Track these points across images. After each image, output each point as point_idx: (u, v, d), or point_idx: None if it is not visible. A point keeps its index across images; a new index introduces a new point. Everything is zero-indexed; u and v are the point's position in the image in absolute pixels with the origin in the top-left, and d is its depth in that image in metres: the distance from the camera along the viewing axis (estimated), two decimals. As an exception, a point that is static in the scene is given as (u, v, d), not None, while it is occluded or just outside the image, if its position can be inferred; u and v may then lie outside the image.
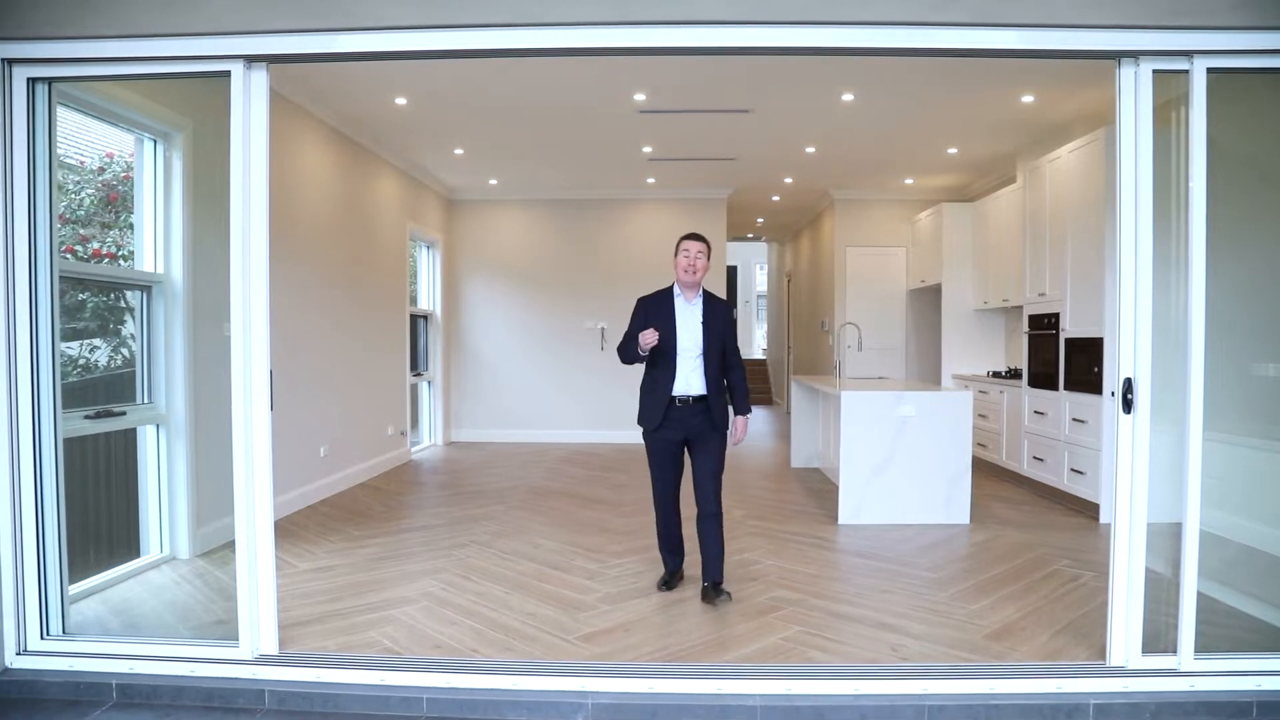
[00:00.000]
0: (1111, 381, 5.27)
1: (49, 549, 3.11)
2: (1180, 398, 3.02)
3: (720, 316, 3.83)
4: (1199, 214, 2.91)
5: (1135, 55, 2.92)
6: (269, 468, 3.05)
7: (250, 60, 2.99)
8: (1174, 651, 2.98)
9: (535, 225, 9.72)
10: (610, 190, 9.50)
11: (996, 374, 7.47)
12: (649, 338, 3.62)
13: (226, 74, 2.98)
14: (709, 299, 3.86)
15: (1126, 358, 2.97)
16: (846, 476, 5.46)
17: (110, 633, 3.38)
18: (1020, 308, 6.98)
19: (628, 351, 3.81)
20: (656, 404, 3.78)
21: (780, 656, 3.19)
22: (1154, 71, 2.93)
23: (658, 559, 4.25)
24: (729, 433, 3.85)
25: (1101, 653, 3.13)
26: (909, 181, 9.03)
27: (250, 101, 3.02)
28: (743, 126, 6.76)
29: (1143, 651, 3.00)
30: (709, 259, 3.80)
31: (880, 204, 9.66)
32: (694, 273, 3.76)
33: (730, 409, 3.88)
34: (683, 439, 3.81)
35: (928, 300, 9.38)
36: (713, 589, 3.75)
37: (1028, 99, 5.91)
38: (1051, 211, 6.16)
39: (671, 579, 4.01)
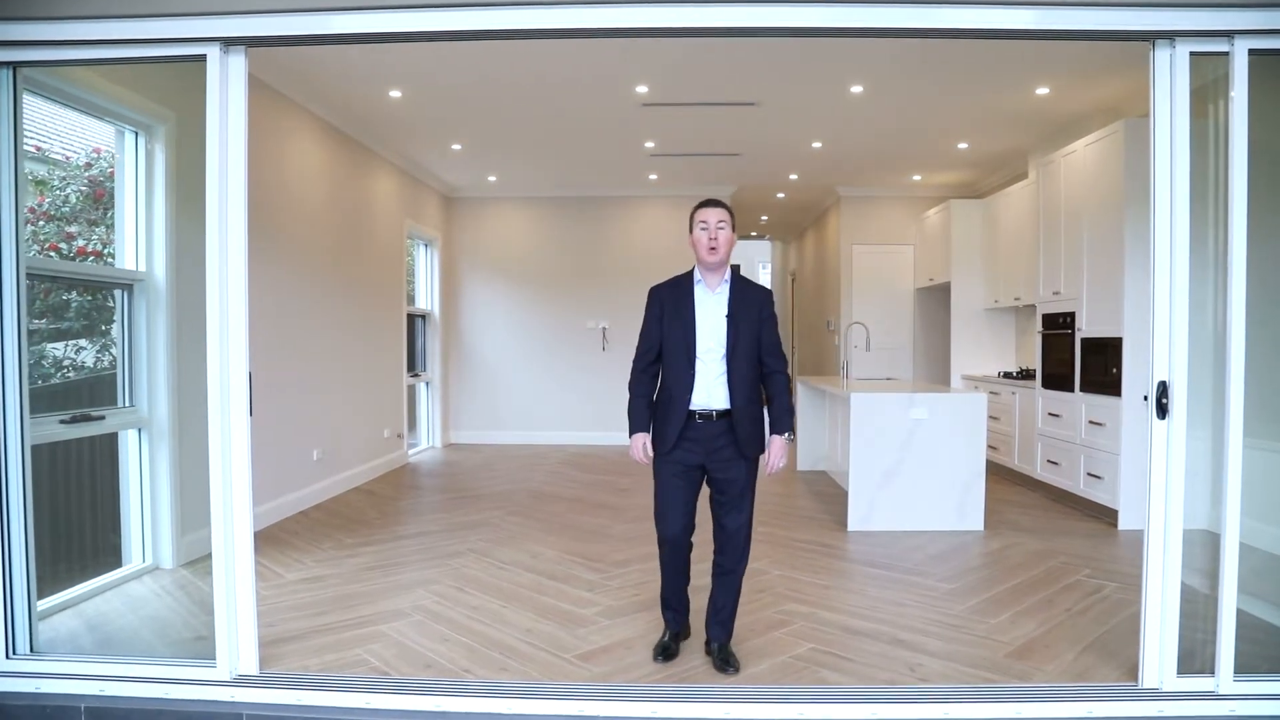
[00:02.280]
0: (1134, 384, 5.13)
1: (14, 563, 2.92)
2: (1207, 400, 2.83)
3: (752, 307, 3.04)
4: (1239, 207, 2.71)
5: (1171, 36, 2.73)
6: (248, 477, 2.87)
7: (228, 43, 2.81)
8: (1212, 672, 2.79)
9: (536, 223, 9.54)
10: (612, 187, 9.31)
11: (1007, 375, 7.28)
12: (638, 454, 3.09)
13: (202, 58, 2.80)
14: (738, 285, 3.08)
15: (1161, 360, 2.78)
16: (856, 481, 5.27)
17: (83, 650, 3.20)
18: (1033, 307, 6.79)
19: (634, 390, 3.13)
20: (672, 419, 3.01)
21: (791, 676, 3.01)
22: (1191, 54, 2.74)
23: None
24: (762, 459, 3.09)
25: (1132, 673, 2.94)
26: (917, 178, 8.85)
27: (228, 89, 2.84)
28: (748, 121, 6.58)
29: (1178, 672, 2.81)
30: (733, 228, 3.06)
31: (887, 201, 9.46)
32: (716, 250, 3.00)
33: (766, 427, 3.09)
34: (701, 465, 3.04)
35: (936, 299, 9.19)
36: (719, 652, 3.09)
37: (1043, 91, 5.72)
38: (1067, 208, 5.97)
39: (674, 643, 3.20)
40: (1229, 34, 2.70)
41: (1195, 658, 2.86)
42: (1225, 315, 2.74)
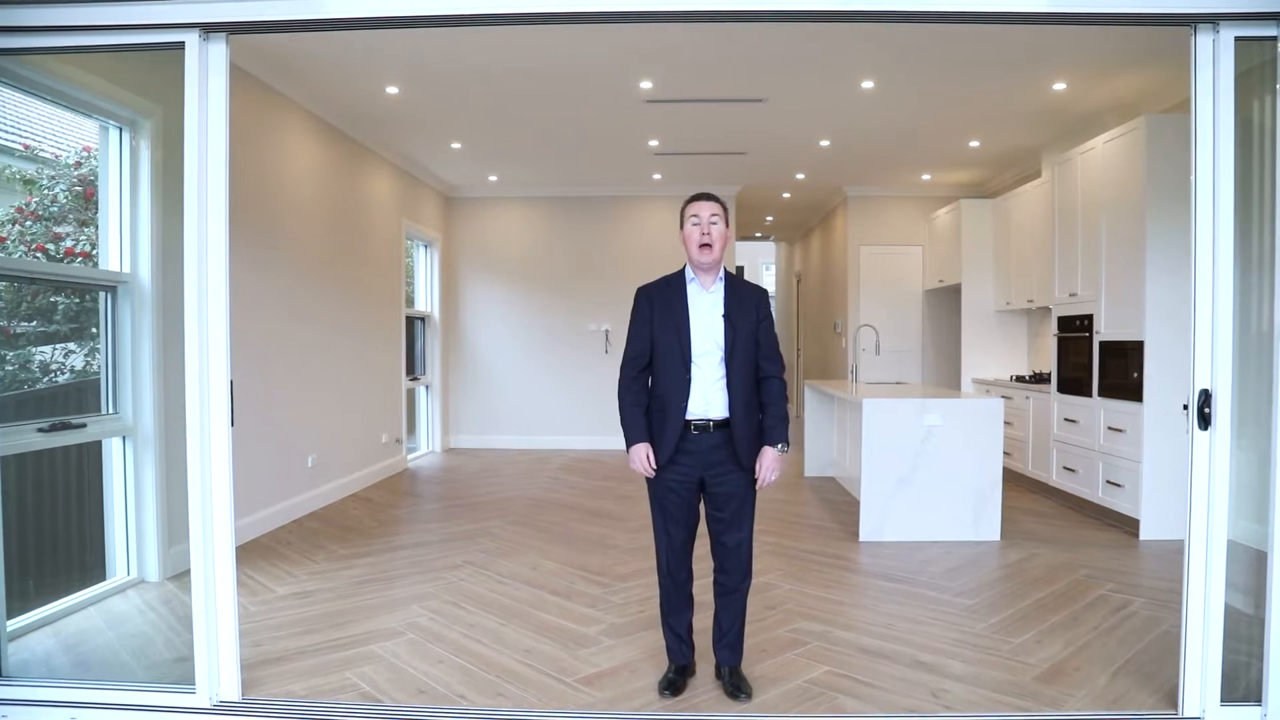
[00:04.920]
0: (1156, 389, 4.94)
1: (-19, 583, 2.76)
2: (1233, 403, 2.66)
3: (750, 307, 2.82)
4: (1288, 202, 2.54)
5: (1214, 20, 2.56)
6: (229, 491, 2.70)
7: (207, 29, 2.64)
8: (1258, 701, 2.62)
9: (537, 223, 9.36)
10: (615, 187, 9.14)
11: (1020, 378, 7.09)
12: (641, 466, 2.80)
13: (179, 45, 2.63)
14: (733, 284, 2.87)
15: (1203, 368, 2.61)
16: (868, 490, 5.09)
17: (56, 674, 3.02)
18: (1045, 309, 6.61)
19: (625, 398, 2.86)
20: (667, 430, 2.77)
21: (807, 704, 2.83)
22: (1236, 39, 2.57)
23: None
24: (757, 471, 2.83)
25: (1170, 698, 2.77)
26: (926, 177, 8.67)
27: (208, 78, 2.67)
28: (754, 118, 6.40)
29: (1222, 700, 2.63)
30: (728, 223, 2.85)
31: (895, 201, 9.28)
32: (710, 247, 2.79)
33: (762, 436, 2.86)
34: (699, 479, 2.81)
35: (945, 301, 9.00)
36: (730, 677, 2.90)
37: (1059, 86, 5.54)
38: (1084, 206, 5.78)
39: (680, 677, 2.93)
40: (1277, 17, 2.52)
41: (1239, 683, 2.68)
42: (1272, 318, 2.57)
